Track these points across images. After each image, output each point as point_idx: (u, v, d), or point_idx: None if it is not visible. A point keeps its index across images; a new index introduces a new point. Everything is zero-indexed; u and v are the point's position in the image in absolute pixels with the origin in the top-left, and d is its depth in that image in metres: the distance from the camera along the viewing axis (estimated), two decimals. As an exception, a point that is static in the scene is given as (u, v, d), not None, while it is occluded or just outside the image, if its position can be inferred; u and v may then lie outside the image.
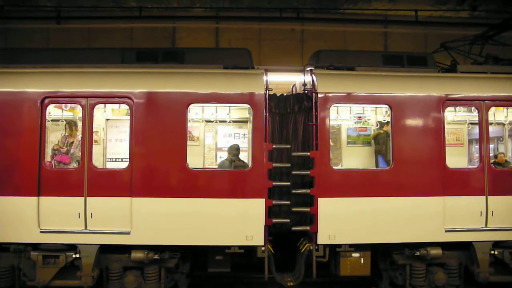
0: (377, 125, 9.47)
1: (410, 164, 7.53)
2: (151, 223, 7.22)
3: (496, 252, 7.63)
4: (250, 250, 7.52)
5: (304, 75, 8.41)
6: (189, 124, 7.66)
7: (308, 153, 7.54)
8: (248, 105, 7.63)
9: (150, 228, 7.22)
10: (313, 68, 7.96)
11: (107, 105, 9.14)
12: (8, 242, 7.31)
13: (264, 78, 7.66)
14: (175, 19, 13.95)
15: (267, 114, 7.51)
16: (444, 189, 7.49)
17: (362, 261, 7.69)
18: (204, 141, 10.44)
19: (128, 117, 7.60)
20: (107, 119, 9.79)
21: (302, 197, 7.74)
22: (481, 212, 7.57)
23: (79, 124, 8.11)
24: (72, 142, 8.11)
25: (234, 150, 8.49)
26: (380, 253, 7.99)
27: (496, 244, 7.66)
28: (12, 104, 7.35)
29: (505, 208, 7.58)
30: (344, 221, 7.41)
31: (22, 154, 7.26)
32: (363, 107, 9.15)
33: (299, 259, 7.95)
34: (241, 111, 9.48)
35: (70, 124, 8.27)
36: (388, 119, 8.26)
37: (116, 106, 9.29)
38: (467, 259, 7.80)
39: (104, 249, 7.37)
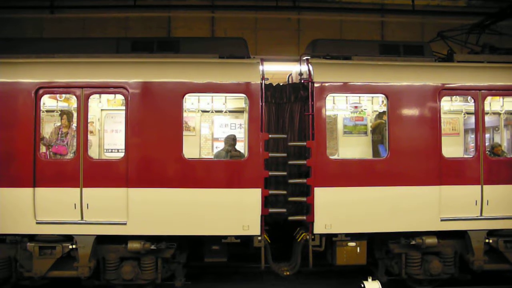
0: (378, 115, 9.46)
1: (406, 154, 7.54)
2: (147, 214, 7.21)
3: (490, 241, 7.67)
4: (246, 240, 7.55)
5: (300, 64, 8.37)
6: (185, 114, 7.62)
7: (305, 143, 7.54)
8: (244, 95, 7.61)
9: (146, 218, 7.22)
10: (309, 57, 7.92)
11: (102, 95, 9.09)
12: (4, 233, 7.29)
13: (260, 67, 7.62)
14: (171, 9, 13.83)
15: (263, 103, 7.47)
16: (440, 178, 7.51)
17: (358, 250, 7.73)
18: (200, 131, 10.42)
19: (124, 107, 7.55)
20: (102, 110, 9.74)
21: (298, 187, 7.76)
22: (476, 201, 7.61)
23: (75, 114, 8.05)
24: (67, 133, 8.05)
25: (231, 140, 8.47)
26: (376, 242, 8.05)
27: (491, 233, 7.71)
28: (6, 94, 7.27)
29: (500, 197, 7.62)
30: (340, 211, 7.43)
31: (16, 145, 7.21)
32: (359, 96, 9.16)
33: (295, 249, 7.99)
34: (237, 101, 9.45)
35: (69, 115, 8.18)
36: (384, 108, 8.25)
37: (111, 96, 9.24)
38: (462, 247, 7.86)
39: (101, 239, 7.37)
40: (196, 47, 7.99)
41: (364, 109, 9.70)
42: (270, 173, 7.42)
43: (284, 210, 7.61)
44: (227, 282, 8.96)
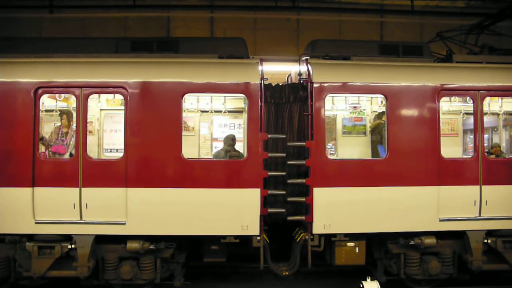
0: (377, 115, 9.47)
1: (405, 154, 7.55)
2: (146, 214, 7.21)
3: (489, 241, 7.68)
4: (245, 240, 7.55)
5: (299, 64, 8.37)
6: (184, 114, 7.63)
7: (304, 143, 7.55)
8: (243, 95, 7.61)
9: (145, 218, 7.22)
10: (308, 57, 7.92)
11: (101, 95, 9.08)
12: (3, 233, 7.29)
13: (260, 67, 7.63)
14: (170, 8, 13.82)
15: (263, 104, 7.48)
16: (439, 178, 7.52)
17: (357, 250, 7.74)
18: (199, 131, 10.42)
19: (123, 107, 7.55)
20: (101, 109, 9.73)
21: (297, 187, 7.76)
22: (475, 201, 7.62)
23: (74, 114, 8.04)
24: (67, 133, 8.04)
25: (230, 140, 8.47)
26: (375, 242, 8.05)
27: (489, 233, 7.72)
28: (5, 94, 7.27)
29: (498, 198, 7.63)
30: (339, 211, 7.44)
31: (15, 145, 7.20)
32: (358, 97, 9.16)
33: (294, 249, 7.99)
34: (237, 101, 9.45)
35: (68, 115, 8.18)
36: (383, 109, 8.26)
37: (110, 96, 9.23)
38: (460, 248, 7.87)
39: (100, 239, 7.36)
40: (195, 47, 7.99)
41: (363, 110, 9.69)
42: (269, 173, 7.43)
43: (283, 210, 7.62)
44: (226, 282, 8.96)
